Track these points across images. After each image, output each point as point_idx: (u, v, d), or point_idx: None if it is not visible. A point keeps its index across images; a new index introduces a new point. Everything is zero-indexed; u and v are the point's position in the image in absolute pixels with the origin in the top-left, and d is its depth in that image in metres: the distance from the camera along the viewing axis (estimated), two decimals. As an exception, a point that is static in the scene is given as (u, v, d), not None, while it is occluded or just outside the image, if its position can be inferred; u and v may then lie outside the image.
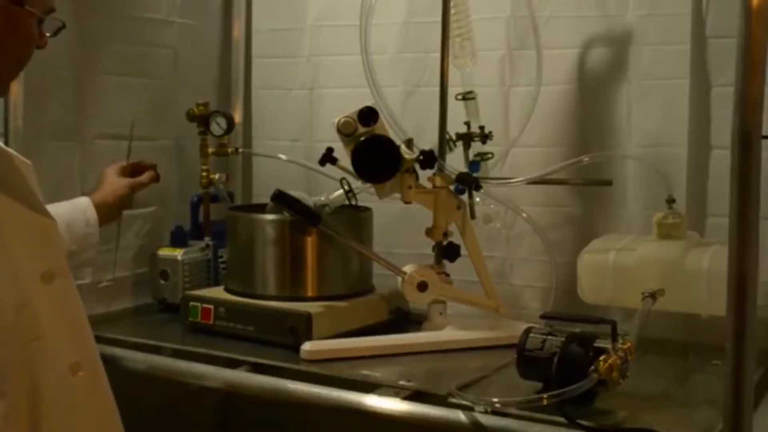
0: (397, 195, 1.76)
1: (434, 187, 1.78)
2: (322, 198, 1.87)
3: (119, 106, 2.02)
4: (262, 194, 2.23)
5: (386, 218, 1.99)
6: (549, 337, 1.41)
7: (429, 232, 1.79)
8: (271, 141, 2.29)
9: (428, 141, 1.81)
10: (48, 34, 1.20)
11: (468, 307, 1.80)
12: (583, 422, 1.30)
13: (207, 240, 2.08)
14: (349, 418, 1.46)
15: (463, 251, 1.78)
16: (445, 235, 1.79)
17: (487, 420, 1.33)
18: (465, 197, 1.78)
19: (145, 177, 1.86)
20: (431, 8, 1.88)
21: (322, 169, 1.83)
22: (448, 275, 1.79)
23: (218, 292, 1.87)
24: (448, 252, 1.79)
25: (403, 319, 1.88)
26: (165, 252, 2.01)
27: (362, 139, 1.71)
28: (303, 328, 1.68)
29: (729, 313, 1.07)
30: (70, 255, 1.39)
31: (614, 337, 1.36)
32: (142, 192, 2.04)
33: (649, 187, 1.82)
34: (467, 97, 1.83)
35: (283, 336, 1.70)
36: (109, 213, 1.77)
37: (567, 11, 1.91)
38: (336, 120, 1.72)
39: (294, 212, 1.75)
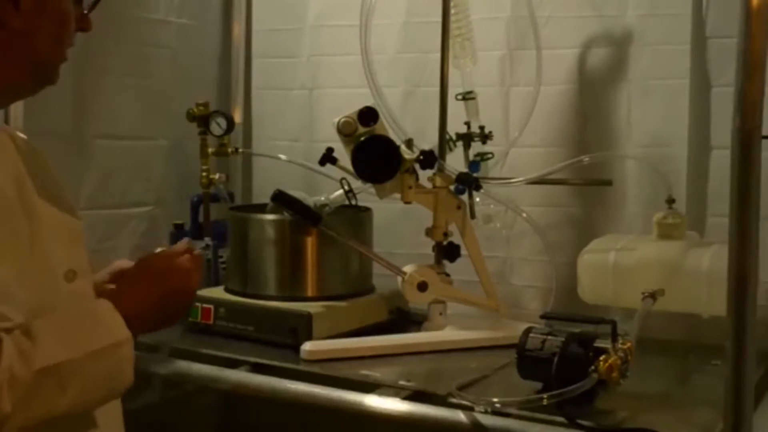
0: (397, 195, 1.76)
1: (434, 187, 1.78)
2: (322, 198, 1.87)
3: (119, 106, 2.02)
4: (262, 194, 2.23)
5: (386, 218, 1.99)
6: (549, 337, 1.41)
7: (429, 232, 1.79)
8: (271, 141, 2.29)
9: (428, 141, 1.81)
10: (86, 12, 1.17)
11: (468, 307, 1.80)
12: (583, 422, 1.30)
13: (207, 240, 2.08)
14: (349, 418, 1.46)
15: (463, 251, 1.78)
16: (445, 235, 1.79)
17: (487, 420, 1.33)
18: (465, 197, 1.78)
19: None
20: (431, 8, 1.88)
21: (322, 169, 1.83)
22: (448, 275, 1.79)
23: (218, 292, 1.87)
24: (448, 252, 1.79)
25: (403, 319, 1.88)
26: (165, 252, 2.01)
27: (362, 139, 1.71)
28: (303, 328, 1.68)
29: (729, 313, 1.07)
30: None
31: (614, 337, 1.36)
32: (138, 191, 2.04)
33: (649, 187, 1.82)
34: (467, 97, 1.83)
35: (283, 336, 1.70)
36: None
37: (567, 11, 1.91)
38: (336, 120, 1.72)
39: (294, 212, 1.75)
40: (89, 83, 1.92)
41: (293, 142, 2.24)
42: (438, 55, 1.80)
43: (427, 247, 1.81)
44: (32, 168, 1.08)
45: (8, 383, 0.94)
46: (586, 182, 1.87)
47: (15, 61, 1.08)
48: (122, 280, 1.18)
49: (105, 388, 1.08)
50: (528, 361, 1.42)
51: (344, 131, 1.71)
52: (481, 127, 1.82)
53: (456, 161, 1.82)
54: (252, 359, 1.63)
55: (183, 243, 1.23)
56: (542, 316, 1.58)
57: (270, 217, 1.83)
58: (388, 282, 1.85)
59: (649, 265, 1.65)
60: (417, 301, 1.78)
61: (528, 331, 1.45)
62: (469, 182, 1.76)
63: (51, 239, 1.09)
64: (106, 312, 1.08)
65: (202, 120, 2.06)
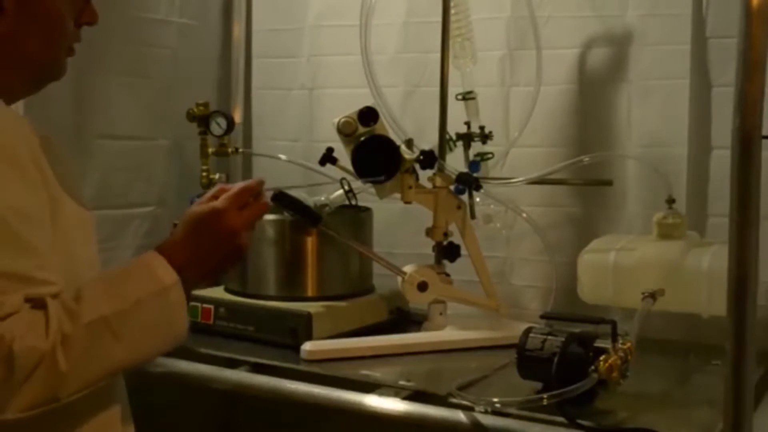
0: (397, 195, 1.76)
1: (434, 187, 1.78)
2: (322, 198, 1.87)
3: (119, 106, 2.02)
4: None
5: (386, 218, 1.99)
6: (549, 337, 1.41)
7: (429, 232, 1.79)
8: (271, 141, 2.29)
9: (428, 141, 1.81)
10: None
11: (468, 307, 1.80)
12: (583, 422, 1.30)
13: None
14: (349, 418, 1.46)
15: (463, 251, 1.78)
16: (445, 235, 1.79)
17: (487, 420, 1.33)
18: (465, 197, 1.78)
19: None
20: (431, 8, 1.88)
21: (322, 169, 1.83)
22: (448, 275, 1.79)
23: (218, 292, 1.87)
24: (448, 252, 1.79)
25: (403, 319, 1.88)
26: (165, 252, 2.01)
27: (362, 139, 1.71)
28: (303, 328, 1.68)
29: (729, 313, 1.07)
30: None
31: (614, 337, 1.36)
32: (139, 191, 2.04)
33: (649, 187, 1.82)
34: (467, 97, 1.83)
35: (283, 336, 1.70)
36: None
37: (567, 11, 1.91)
38: (336, 120, 1.72)
39: (294, 212, 1.75)
40: (90, 83, 1.92)
41: (293, 142, 2.24)
42: (438, 55, 1.80)
43: (427, 247, 1.81)
44: (50, 159, 1.08)
45: (61, 343, 0.96)
46: (586, 182, 1.87)
47: (8, 63, 1.08)
48: (172, 230, 1.18)
49: (159, 336, 1.09)
50: (528, 361, 1.42)
51: (344, 131, 1.71)
52: (481, 127, 1.82)
53: (456, 161, 1.82)
54: (252, 359, 1.63)
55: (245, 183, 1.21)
56: (542, 316, 1.58)
57: (270, 217, 1.83)
58: (388, 282, 1.85)
59: (649, 265, 1.65)
60: (417, 301, 1.78)
61: (528, 331, 1.45)
62: (469, 182, 1.76)
63: (70, 228, 1.09)
64: (151, 260, 1.09)
65: (202, 120, 2.06)
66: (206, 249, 1.14)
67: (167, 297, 1.07)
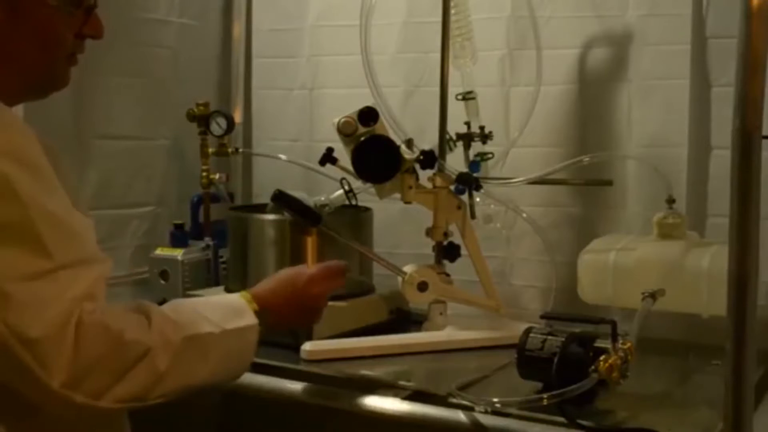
0: (397, 195, 1.76)
1: (434, 187, 1.78)
2: (322, 198, 1.87)
3: (119, 106, 2.02)
4: (262, 194, 2.23)
5: (386, 218, 1.99)
6: (549, 337, 1.41)
7: (429, 232, 1.79)
8: (271, 141, 2.29)
9: (428, 141, 1.81)
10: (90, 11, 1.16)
11: (468, 307, 1.80)
12: (583, 422, 1.30)
13: (207, 240, 2.08)
14: (349, 418, 1.46)
15: (463, 251, 1.78)
16: (445, 235, 1.79)
17: (487, 420, 1.33)
18: (465, 197, 1.77)
19: None
20: (431, 8, 1.88)
21: (322, 169, 1.83)
22: (448, 275, 1.79)
23: (218, 292, 1.86)
24: (448, 252, 1.79)
25: (403, 319, 1.88)
26: (165, 252, 2.01)
27: (362, 139, 1.71)
28: (303, 328, 1.68)
29: (729, 313, 1.07)
30: None
31: (614, 337, 1.36)
32: (139, 191, 2.04)
33: (649, 187, 1.82)
34: (467, 97, 1.83)
35: (283, 336, 1.70)
36: None
37: (567, 11, 1.91)
38: (336, 120, 1.72)
39: (294, 212, 1.75)
40: (89, 83, 1.92)
41: (293, 142, 2.24)
42: (438, 55, 1.80)
43: (427, 247, 1.81)
44: (52, 164, 1.08)
45: (163, 345, 1.04)
46: (586, 182, 1.87)
47: (5, 68, 1.08)
48: (267, 279, 1.35)
49: (232, 367, 1.21)
50: (528, 361, 1.42)
51: (344, 131, 1.71)
52: (481, 127, 1.82)
53: (456, 161, 1.82)
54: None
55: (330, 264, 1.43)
56: (542, 316, 1.58)
57: (270, 217, 1.83)
58: (388, 282, 1.85)
59: (649, 265, 1.65)
60: (417, 301, 1.78)
61: (528, 331, 1.45)
62: (469, 182, 1.76)
63: None
64: (239, 301, 1.25)
65: (202, 120, 2.06)
66: (291, 305, 1.33)
67: (246, 336, 1.21)
